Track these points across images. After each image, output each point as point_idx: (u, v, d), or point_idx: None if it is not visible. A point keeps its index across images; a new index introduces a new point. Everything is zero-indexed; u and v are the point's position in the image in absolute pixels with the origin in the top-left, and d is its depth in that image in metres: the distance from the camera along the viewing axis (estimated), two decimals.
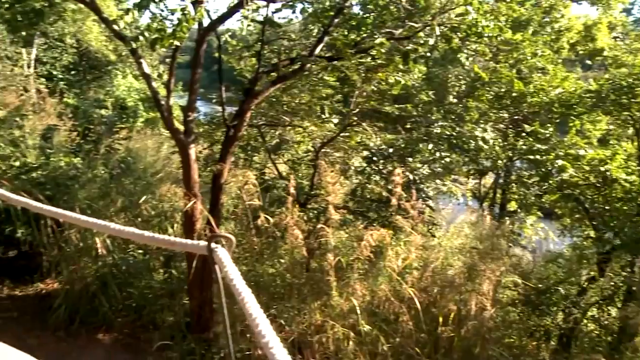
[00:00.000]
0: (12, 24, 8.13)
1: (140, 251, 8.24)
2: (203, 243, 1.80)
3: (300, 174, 9.13)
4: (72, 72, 25.83)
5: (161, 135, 17.26)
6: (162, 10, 5.18)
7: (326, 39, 6.97)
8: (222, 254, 1.73)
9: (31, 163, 9.12)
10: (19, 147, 9.68)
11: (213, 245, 1.78)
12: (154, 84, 6.61)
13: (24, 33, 9.11)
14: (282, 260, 7.07)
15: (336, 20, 6.96)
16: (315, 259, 6.97)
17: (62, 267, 8.07)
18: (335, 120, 9.14)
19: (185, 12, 4.60)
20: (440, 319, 6.24)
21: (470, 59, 8.46)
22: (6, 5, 7.36)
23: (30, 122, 11.06)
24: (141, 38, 4.91)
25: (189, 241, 1.84)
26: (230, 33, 8.41)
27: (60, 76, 24.98)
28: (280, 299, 6.74)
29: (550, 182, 8.79)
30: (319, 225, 6.65)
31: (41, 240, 8.06)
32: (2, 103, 11.91)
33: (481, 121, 10.56)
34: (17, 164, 8.94)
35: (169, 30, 4.79)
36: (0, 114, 10.86)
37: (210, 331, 7.11)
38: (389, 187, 7.72)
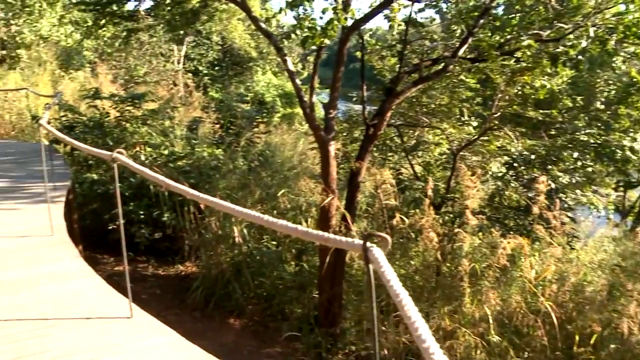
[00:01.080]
0: (170, 24, 8.62)
1: (273, 242, 8.45)
2: (358, 241, 1.78)
3: (434, 176, 8.98)
4: (216, 68, 27.08)
5: (297, 130, 17.67)
6: (312, 10, 5.27)
7: (470, 40, 6.80)
8: (378, 254, 1.71)
9: (178, 152, 9.64)
10: (168, 137, 10.28)
11: (368, 244, 1.75)
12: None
13: (181, 32, 9.60)
14: (412, 262, 6.98)
15: (481, 21, 6.76)
16: (446, 263, 6.82)
17: (201, 252, 8.46)
18: (475, 124, 8.90)
19: (337, 10, 4.65)
20: (577, 338, 5.87)
21: (627, 62, 7.91)
22: (167, 8, 7.84)
23: (178, 114, 11.71)
24: (293, 36, 5.02)
25: (343, 238, 1.83)
26: (370, 32, 8.42)
27: (205, 71, 26.28)
28: None
29: None
30: (456, 230, 6.50)
31: (184, 225, 8.51)
32: (155, 96, 12.69)
33: (631, 130, 9.82)
34: (166, 152, 9.48)
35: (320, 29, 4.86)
36: (153, 106, 11.59)
37: (337, 326, 7.16)
38: (529, 194, 7.41)
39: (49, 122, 6.94)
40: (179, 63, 25.32)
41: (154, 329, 3.54)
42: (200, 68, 26.40)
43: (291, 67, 6.89)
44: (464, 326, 5.87)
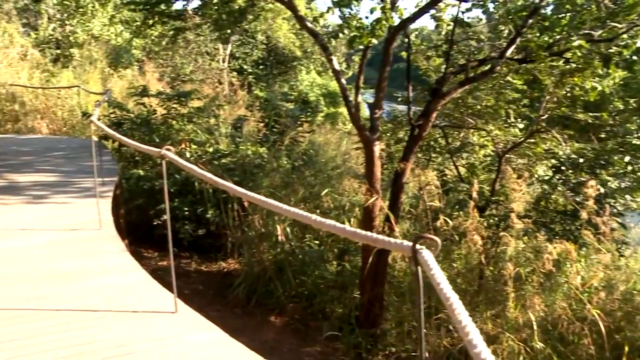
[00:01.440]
0: (217, 23, 8.72)
1: (316, 242, 8.47)
2: (407, 243, 1.77)
3: (478, 179, 8.87)
4: (261, 67, 27.30)
5: (340, 130, 17.68)
6: (358, 9, 5.26)
7: (518, 40, 6.68)
8: (427, 256, 1.69)
9: (223, 150, 9.75)
10: (213, 135, 10.41)
11: (418, 246, 1.73)
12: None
13: (228, 31, 9.70)
14: (455, 265, 6.91)
15: (530, 21, 6.64)
16: (490, 267, 6.73)
17: (243, 249, 8.53)
18: (521, 126, 8.74)
19: (385, 10, 4.63)
20: (626, 348, 5.71)
21: None
22: (215, 7, 7.93)
23: (223, 112, 11.83)
24: (341, 35, 5.02)
25: (392, 240, 1.82)
26: (416, 32, 8.37)
27: (250, 70, 26.52)
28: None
29: None
30: (500, 233, 6.40)
31: (227, 223, 8.60)
32: (200, 94, 12.85)
33: None
34: (211, 150, 9.60)
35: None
36: (199, 104, 11.74)
37: (378, 327, 7.13)
38: (577, 199, 7.25)
39: (98, 119, 7.10)
40: (224, 62, 25.62)
41: (198, 324, 3.60)
42: (245, 67, 26.66)
43: (337, 67, 6.89)
44: (507, 331, 5.78)
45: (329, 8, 4.91)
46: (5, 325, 3.61)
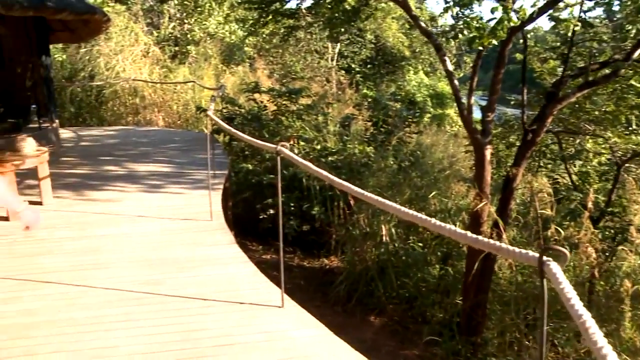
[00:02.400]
0: (331, 22, 8.79)
1: (420, 244, 8.36)
2: (533, 254, 1.68)
3: (592, 188, 8.43)
4: (368, 66, 27.30)
5: (446, 132, 17.39)
6: (480, 10, 5.10)
7: None
8: (555, 269, 1.60)
9: (330, 148, 9.82)
10: (321, 132, 10.51)
11: (545, 258, 1.64)
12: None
13: (341, 30, 9.77)
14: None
15: None
16: (601, 282, 6.37)
17: (346, 248, 8.55)
18: None
19: (508, 10, 4.47)
20: None
21: None
22: (328, 6, 7.99)
23: (332, 110, 11.93)
24: (456, 35, 4.91)
25: (516, 249, 1.74)
26: (531, 33, 8.07)
27: (358, 69, 26.59)
28: (555, 316, 6.30)
29: None
30: (619, 247, 6.05)
31: (332, 220, 8.65)
32: (309, 91, 13.02)
33: None
34: (319, 147, 9.69)
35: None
36: (307, 101, 11.91)
37: (479, 335, 6.94)
38: None
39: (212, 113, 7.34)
40: (332, 60, 25.84)
41: (304, 320, 3.62)
42: (353, 65, 26.76)
43: (450, 68, 6.76)
44: (622, 352, 5.44)
45: (447, 7, 4.80)
46: (122, 306, 3.80)
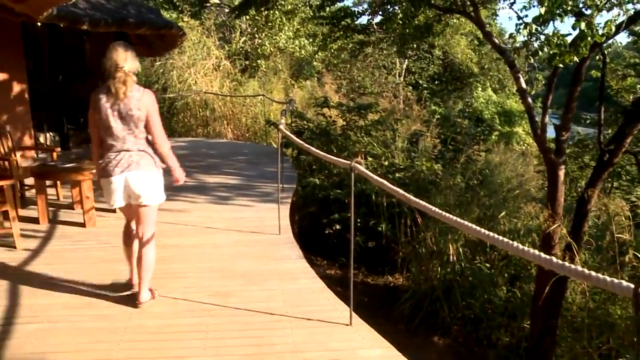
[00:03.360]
0: (402, 38, 8.77)
1: (487, 264, 8.17)
2: (627, 284, 1.59)
3: None
4: (436, 82, 27.09)
5: (515, 150, 17.00)
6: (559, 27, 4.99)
7: None
8: None
9: (398, 164, 9.75)
10: (389, 148, 10.46)
11: None
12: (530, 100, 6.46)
13: (413, 45, 9.75)
14: None
15: None
16: None
17: (412, 266, 8.45)
18: None
19: (592, 26, 4.33)
20: None
21: None
22: (400, 22, 7.98)
23: (399, 126, 11.86)
24: (540, 53, 4.79)
25: (607, 279, 1.65)
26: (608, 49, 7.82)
27: (425, 85, 26.42)
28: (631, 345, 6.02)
29: None
30: None
31: (398, 237, 8.57)
32: (377, 107, 12.99)
33: None
34: (386, 163, 9.64)
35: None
36: (375, 117, 11.88)
37: None
38: None
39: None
40: (400, 76, 25.78)
41: (372, 339, 3.58)
42: (420, 82, 26.62)
43: (523, 85, 6.63)
44: None
45: (526, 24, 4.69)
46: (192, 316, 3.85)
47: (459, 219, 2.39)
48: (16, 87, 8.51)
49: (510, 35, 5.30)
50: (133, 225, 4.18)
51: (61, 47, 9.51)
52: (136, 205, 3.97)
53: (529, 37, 5.62)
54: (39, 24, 8.02)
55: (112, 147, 3.83)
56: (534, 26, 4.64)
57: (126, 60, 3.74)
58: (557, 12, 4.38)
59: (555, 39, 4.45)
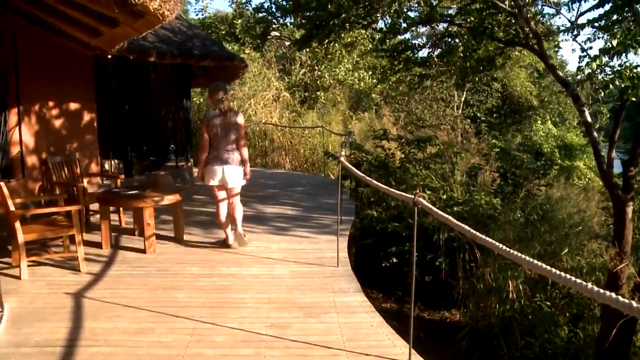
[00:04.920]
0: (463, 71, 8.76)
1: (547, 303, 7.93)
2: None
3: None
4: (494, 115, 26.78)
5: (576, 185, 16.56)
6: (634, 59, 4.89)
7: None
8: None
9: (456, 197, 9.63)
10: (447, 182, 10.36)
11: None
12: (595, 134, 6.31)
13: (475, 78, 9.74)
14: None
15: None
16: None
17: (470, 302, 8.27)
18: None
19: None
20: None
21: None
22: (461, 54, 7.98)
23: (458, 159, 11.75)
24: (611, 86, 4.70)
25: None
26: None
27: (483, 118, 26.15)
28: None
29: None
30: None
31: (456, 272, 8.42)
32: (437, 140, 12.92)
33: None
34: (444, 197, 9.53)
35: None
36: (433, 150, 11.82)
37: None
38: None
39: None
40: (458, 108, 25.62)
41: None
42: (479, 114, 26.37)
43: (589, 119, 6.50)
44: None
45: (596, 56, 4.61)
46: (249, 347, 3.87)
47: (522, 255, 2.36)
48: (86, 117, 8.87)
49: (579, 69, 5.21)
50: (221, 206, 6.33)
51: (128, 77, 9.88)
52: (229, 188, 6.23)
53: (597, 70, 5.52)
54: (109, 56, 8.35)
55: (217, 149, 6.08)
56: (604, 58, 4.55)
57: (226, 94, 6.18)
58: (632, 44, 4.29)
59: (628, 71, 4.35)
